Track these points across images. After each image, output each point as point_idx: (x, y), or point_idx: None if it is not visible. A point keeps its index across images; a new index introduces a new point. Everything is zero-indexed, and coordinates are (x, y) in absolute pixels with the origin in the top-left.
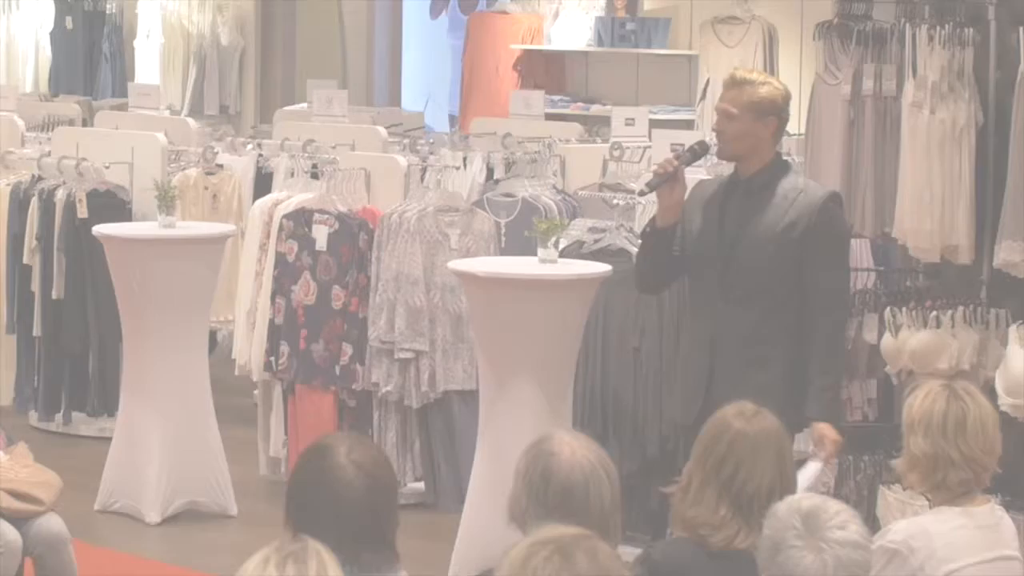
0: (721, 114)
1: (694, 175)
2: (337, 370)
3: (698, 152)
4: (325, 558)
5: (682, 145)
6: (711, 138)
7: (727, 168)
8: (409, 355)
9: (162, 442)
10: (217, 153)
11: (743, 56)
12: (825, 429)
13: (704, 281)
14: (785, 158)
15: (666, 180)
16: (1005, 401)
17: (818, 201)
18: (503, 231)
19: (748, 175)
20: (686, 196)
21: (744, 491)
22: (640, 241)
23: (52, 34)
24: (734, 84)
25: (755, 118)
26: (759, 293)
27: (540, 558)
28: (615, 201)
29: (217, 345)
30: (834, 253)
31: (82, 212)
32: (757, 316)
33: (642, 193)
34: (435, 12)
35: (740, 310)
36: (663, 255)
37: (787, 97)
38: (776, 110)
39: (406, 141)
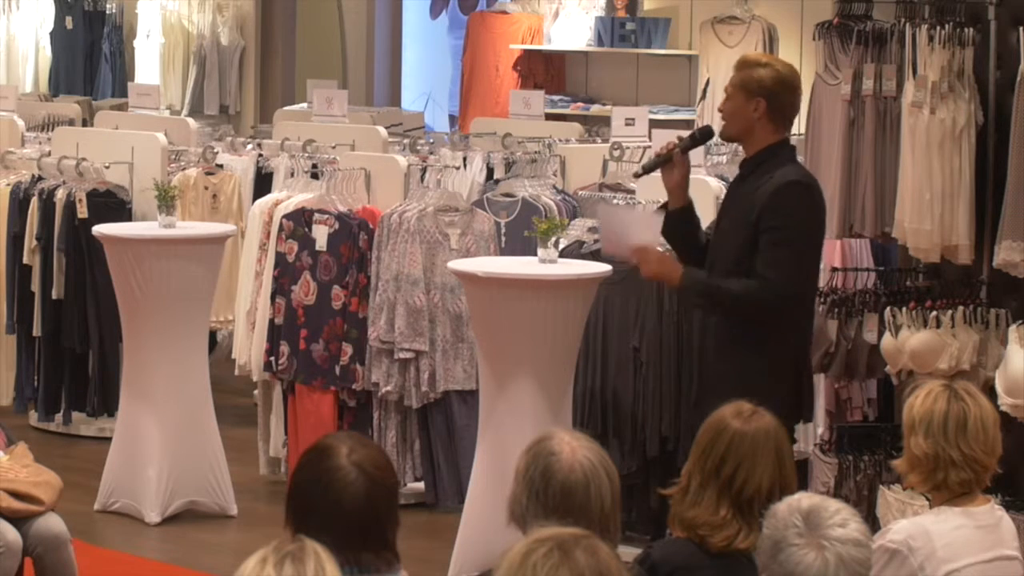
0: (725, 93)
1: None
2: (337, 370)
3: (698, 139)
4: (323, 558)
5: None
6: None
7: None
8: (409, 355)
9: (162, 442)
10: (217, 153)
11: None
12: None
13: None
14: (794, 145)
15: (661, 163)
16: (1005, 401)
17: (773, 185)
18: (503, 231)
19: (745, 161)
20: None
21: (744, 491)
22: None
23: (52, 34)
24: (736, 66)
25: (745, 98)
26: None
27: (539, 555)
28: (615, 201)
29: (217, 345)
30: (777, 232)
31: (82, 212)
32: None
33: (636, 175)
34: (435, 12)
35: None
36: (680, 237)
37: (781, 81)
38: (764, 92)
39: (406, 141)
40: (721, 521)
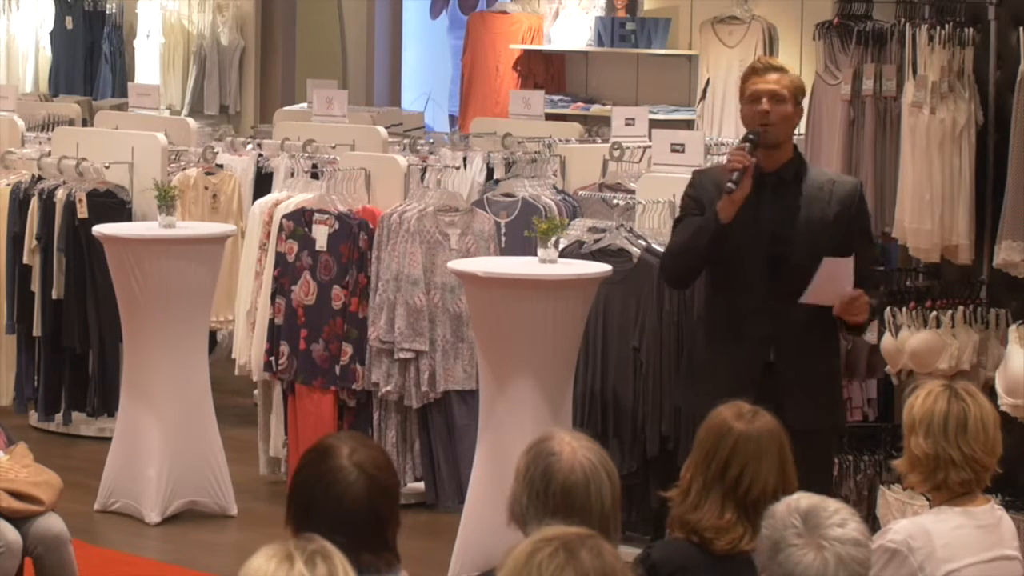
0: (770, 96)
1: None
2: (337, 370)
3: (755, 142)
4: (343, 557)
5: (683, 145)
6: (709, 136)
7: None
8: (409, 355)
9: (162, 442)
10: (217, 153)
11: (743, 56)
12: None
13: (745, 277)
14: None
15: (745, 174)
16: (1005, 401)
17: (855, 190)
18: (503, 231)
19: (773, 168)
20: (695, 188)
21: (750, 493)
22: (693, 238)
23: (52, 34)
24: (773, 68)
25: (794, 104)
26: None
27: (544, 554)
28: (615, 201)
29: (217, 345)
30: (870, 235)
31: (82, 212)
32: (811, 309)
33: (729, 191)
34: (435, 12)
35: (795, 305)
36: (714, 251)
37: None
38: (803, 98)
39: (406, 141)
40: (727, 524)
